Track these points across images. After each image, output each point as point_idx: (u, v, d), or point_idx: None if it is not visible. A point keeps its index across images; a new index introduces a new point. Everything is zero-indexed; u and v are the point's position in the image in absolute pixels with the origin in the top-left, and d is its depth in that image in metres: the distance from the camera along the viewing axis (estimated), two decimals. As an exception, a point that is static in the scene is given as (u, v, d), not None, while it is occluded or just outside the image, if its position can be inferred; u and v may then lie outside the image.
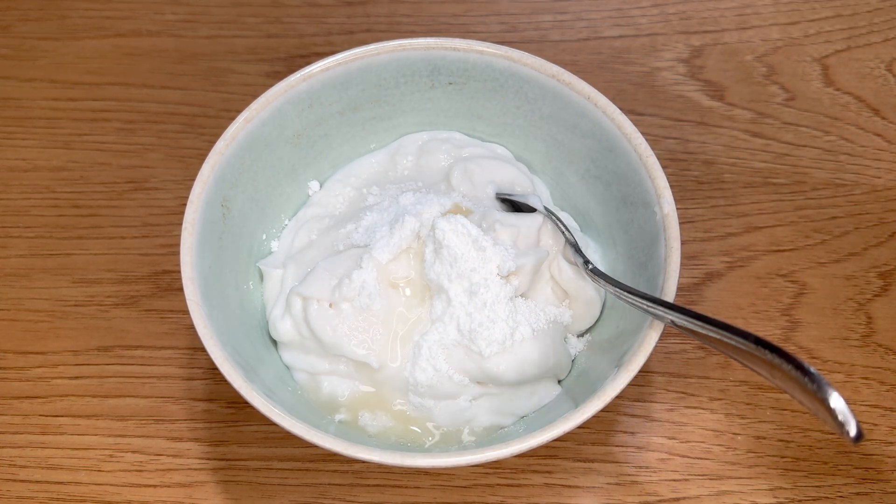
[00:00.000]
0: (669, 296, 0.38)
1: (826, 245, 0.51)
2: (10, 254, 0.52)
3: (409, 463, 0.36)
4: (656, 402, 0.47)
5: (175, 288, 0.50)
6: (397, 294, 0.42)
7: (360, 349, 0.41)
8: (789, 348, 0.47)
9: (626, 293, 0.39)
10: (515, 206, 0.45)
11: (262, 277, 0.45)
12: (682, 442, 0.46)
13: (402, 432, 0.42)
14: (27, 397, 0.48)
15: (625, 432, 0.46)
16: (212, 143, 0.43)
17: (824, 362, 0.48)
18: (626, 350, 0.38)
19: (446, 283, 0.40)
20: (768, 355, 0.32)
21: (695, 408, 0.47)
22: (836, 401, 0.29)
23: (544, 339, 0.41)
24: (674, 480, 0.45)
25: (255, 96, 0.44)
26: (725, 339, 0.33)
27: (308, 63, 0.44)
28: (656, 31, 0.58)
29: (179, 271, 0.40)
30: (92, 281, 0.51)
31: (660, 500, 0.44)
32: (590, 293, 0.43)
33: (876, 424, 0.46)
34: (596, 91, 0.43)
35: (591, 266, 0.42)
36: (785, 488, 0.44)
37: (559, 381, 0.43)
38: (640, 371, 0.37)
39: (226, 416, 0.47)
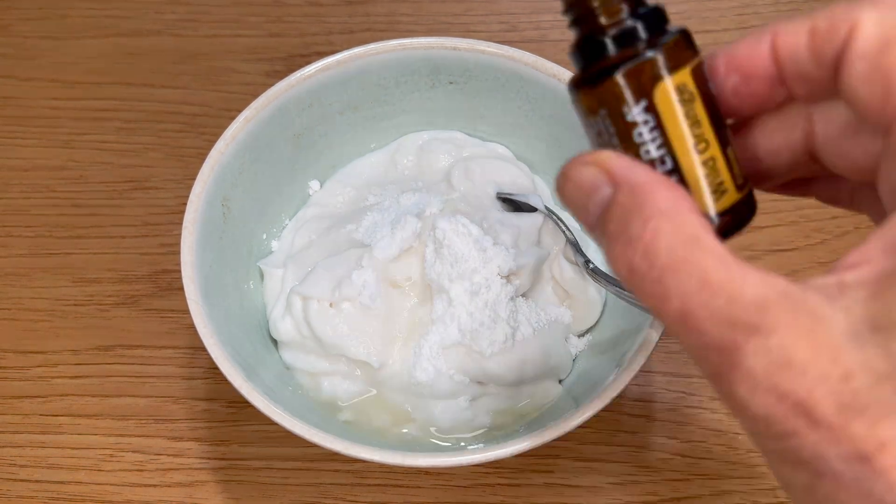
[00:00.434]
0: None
1: (826, 245, 0.51)
2: (9, 253, 0.52)
3: (409, 463, 0.36)
4: (657, 402, 0.47)
5: (175, 287, 0.50)
6: (398, 294, 0.42)
7: (360, 349, 0.41)
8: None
9: (626, 293, 0.39)
10: (516, 205, 0.45)
11: (262, 277, 0.45)
12: (683, 442, 0.46)
13: (403, 432, 0.42)
14: (27, 397, 0.48)
15: (626, 432, 0.46)
16: (212, 142, 0.43)
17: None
18: (627, 350, 0.38)
19: (447, 284, 0.40)
20: None
21: (696, 407, 0.46)
22: None
23: (545, 338, 0.41)
24: (675, 480, 0.45)
25: (255, 96, 0.44)
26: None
27: (308, 62, 0.44)
28: (657, 31, 0.58)
29: (179, 271, 0.39)
30: (92, 280, 0.51)
31: (660, 500, 0.44)
32: (591, 293, 0.43)
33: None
34: (597, 91, 0.43)
35: (592, 266, 0.42)
36: (786, 488, 0.44)
37: (560, 381, 0.43)
38: (641, 370, 0.37)
39: (226, 416, 0.47)
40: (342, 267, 0.42)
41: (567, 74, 0.43)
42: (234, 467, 0.45)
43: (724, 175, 0.25)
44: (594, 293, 0.43)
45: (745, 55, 0.25)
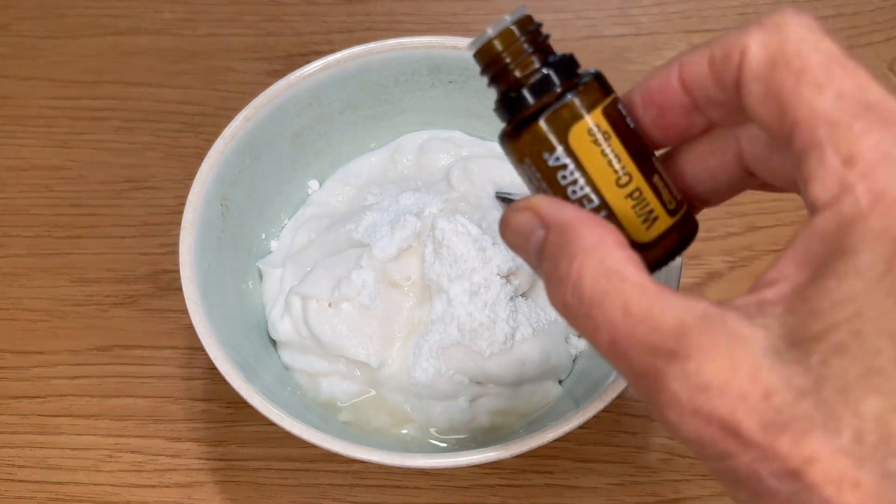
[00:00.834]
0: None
1: (827, 245, 0.51)
2: (8, 253, 0.52)
3: (408, 463, 0.36)
4: (657, 403, 0.47)
5: (174, 287, 0.50)
6: (397, 294, 0.42)
7: (359, 349, 0.41)
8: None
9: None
10: (516, 205, 0.45)
11: (261, 277, 0.45)
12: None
13: (402, 433, 0.42)
14: (26, 397, 0.48)
15: (626, 432, 0.46)
16: (211, 141, 0.42)
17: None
18: (628, 350, 0.38)
19: (446, 284, 0.40)
20: None
21: (696, 408, 0.46)
22: None
23: (545, 338, 0.41)
24: (675, 481, 0.45)
25: (254, 95, 0.44)
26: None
27: (307, 62, 0.44)
28: (657, 30, 0.58)
29: (178, 271, 0.39)
30: (91, 280, 0.51)
31: (661, 501, 0.44)
32: (591, 293, 0.43)
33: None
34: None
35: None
36: (786, 489, 0.44)
37: (560, 382, 0.43)
38: (641, 371, 0.37)
39: (225, 417, 0.47)
40: (341, 267, 0.42)
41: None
42: (233, 468, 0.45)
43: (653, 203, 0.26)
44: (594, 293, 0.43)
45: (658, 88, 0.25)
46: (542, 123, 0.26)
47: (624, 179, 0.26)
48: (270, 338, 0.44)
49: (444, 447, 0.41)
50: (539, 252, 0.25)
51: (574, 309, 0.23)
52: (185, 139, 0.55)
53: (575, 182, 0.26)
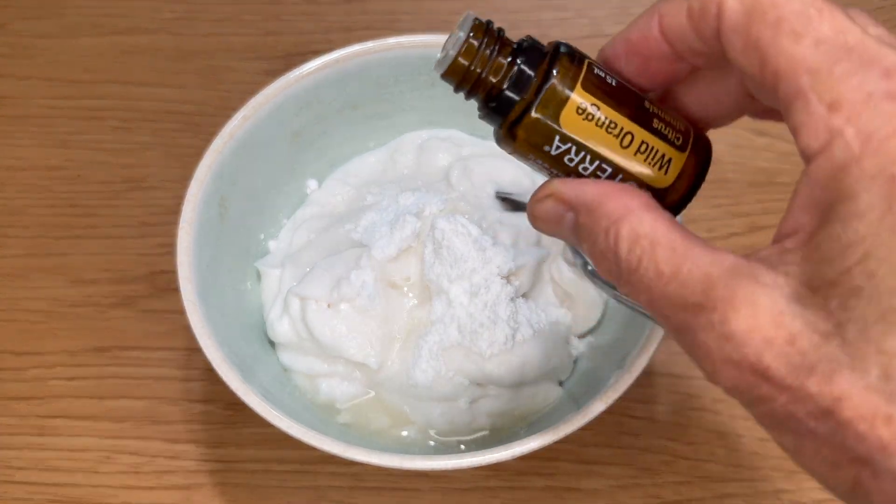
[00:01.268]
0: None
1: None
2: (6, 253, 0.52)
3: (408, 465, 0.35)
4: (659, 404, 0.46)
5: (172, 288, 0.50)
6: (397, 295, 0.41)
7: (358, 350, 0.40)
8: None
9: (622, 296, 0.38)
10: (515, 205, 0.45)
11: (259, 277, 0.45)
12: (685, 444, 0.45)
13: (402, 434, 0.41)
14: (23, 398, 0.47)
15: (627, 434, 0.45)
16: (209, 141, 0.42)
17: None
18: (629, 351, 0.38)
19: (446, 284, 0.40)
20: None
21: (698, 410, 0.46)
22: None
23: (546, 340, 0.41)
24: (677, 483, 0.44)
25: (253, 94, 0.43)
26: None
27: (306, 61, 0.44)
28: (658, 29, 0.58)
29: (176, 271, 0.39)
30: (89, 281, 0.51)
31: (663, 503, 0.44)
32: (591, 294, 0.43)
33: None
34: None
35: (590, 267, 0.41)
36: (789, 490, 0.44)
37: (560, 383, 0.43)
38: (642, 372, 0.37)
39: (223, 418, 0.46)
40: (340, 267, 0.42)
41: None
42: (231, 470, 0.45)
43: (662, 148, 0.27)
44: (595, 294, 0.43)
45: (639, 38, 0.26)
46: (533, 118, 0.26)
47: (626, 140, 0.26)
48: (269, 339, 0.44)
49: (443, 449, 0.41)
50: (575, 234, 0.26)
51: (619, 279, 0.24)
52: (184, 139, 0.55)
53: (583, 160, 0.26)
